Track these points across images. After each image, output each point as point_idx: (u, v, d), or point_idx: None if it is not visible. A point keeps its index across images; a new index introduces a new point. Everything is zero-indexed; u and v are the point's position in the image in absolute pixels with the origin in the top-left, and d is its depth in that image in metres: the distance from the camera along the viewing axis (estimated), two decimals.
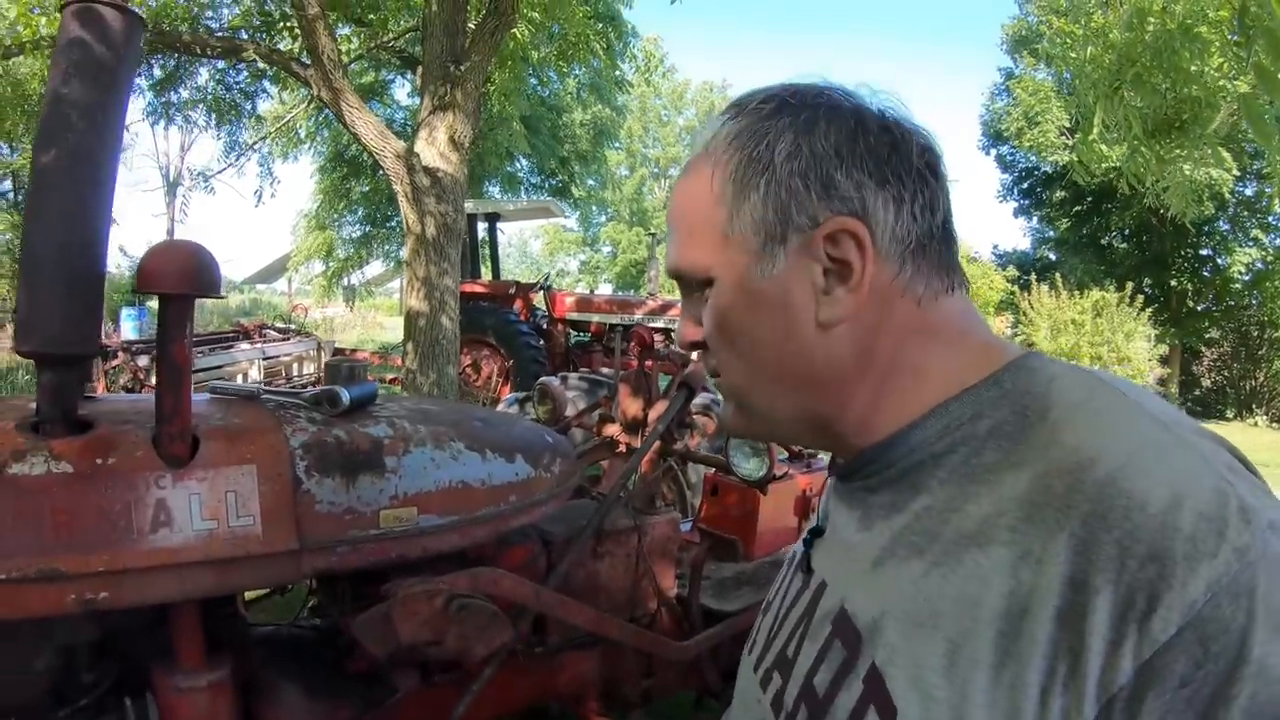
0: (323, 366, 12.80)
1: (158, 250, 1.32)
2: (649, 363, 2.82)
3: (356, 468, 1.47)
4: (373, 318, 31.19)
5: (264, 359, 11.71)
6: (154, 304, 22.90)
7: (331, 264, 22.58)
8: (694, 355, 2.42)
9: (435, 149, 7.62)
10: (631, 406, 2.74)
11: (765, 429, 0.94)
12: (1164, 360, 18.12)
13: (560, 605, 1.75)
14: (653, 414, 2.69)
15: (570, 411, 3.24)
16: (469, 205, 12.71)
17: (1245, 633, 0.55)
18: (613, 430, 2.84)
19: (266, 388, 1.65)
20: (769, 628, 0.96)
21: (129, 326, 17.01)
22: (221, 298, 1.39)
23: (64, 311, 1.39)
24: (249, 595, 1.69)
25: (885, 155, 0.77)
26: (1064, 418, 0.69)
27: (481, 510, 1.62)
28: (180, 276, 1.28)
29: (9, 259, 15.26)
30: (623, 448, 2.79)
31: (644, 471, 2.57)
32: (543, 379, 3.14)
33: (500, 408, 3.51)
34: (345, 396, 1.55)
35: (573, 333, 12.25)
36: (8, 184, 15.59)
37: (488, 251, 13.95)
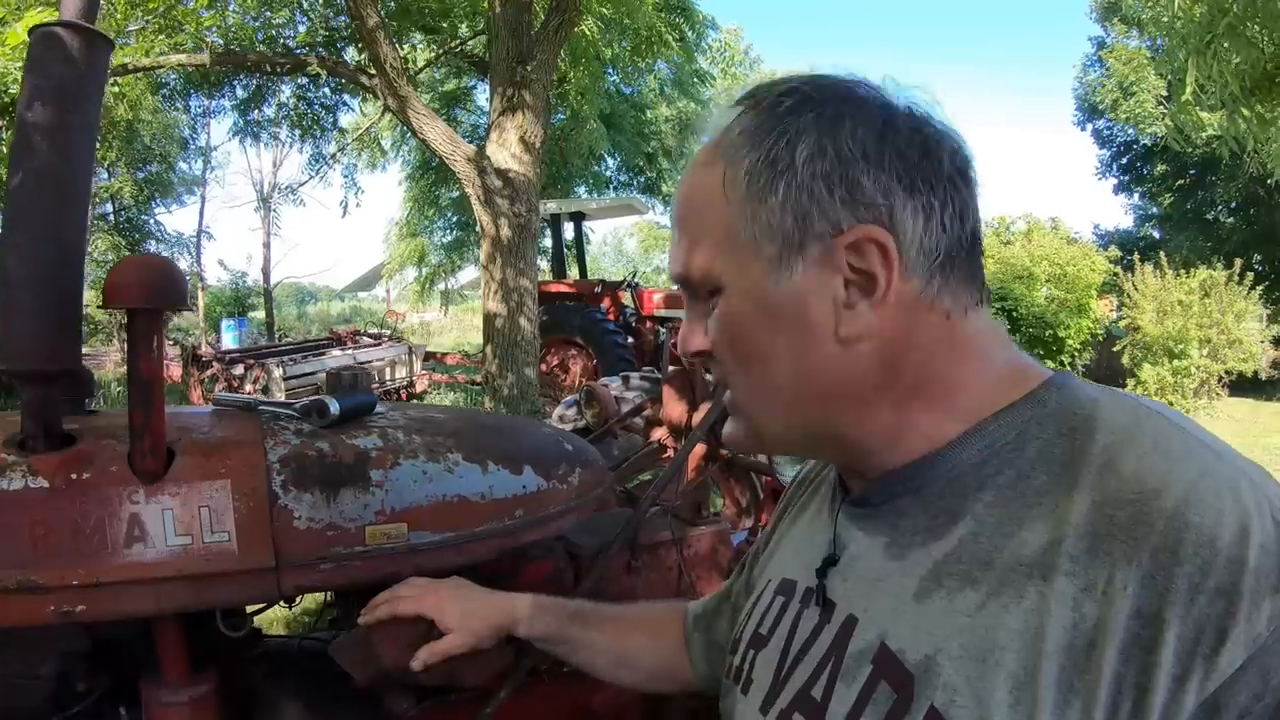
0: (416, 370, 13.04)
1: (123, 266, 1.29)
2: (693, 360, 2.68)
3: (339, 482, 1.39)
4: (468, 321, 31.77)
5: (356, 364, 11.97)
6: (257, 314, 23.82)
7: (424, 270, 23.08)
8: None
9: (506, 150, 7.65)
10: (676, 409, 2.62)
11: (778, 448, 0.90)
12: (1277, 342, 17.13)
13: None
14: (697, 416, 2.56)
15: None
16: (553, 205, 12.84)
17: None
18: (660, 434, 2.73)
19: (263, 399, 1.58)
20: (773, 665, 0.87)
21: (229, 337, 17.68)
22: (188, 309, 1.34)
23: (40, 329, 1.40)
24: (254, 607, 1.61)
25: (916, 159, 0.72)
26: (1117, 444, 0.67)
27: (482, 526, 1.52)
28: (145, 291, 1.24)
29: None
30: (670, 452, 2.68)
31: (689, 478, 2.45)
32: (590, 383, 3.05)
33: (559, 410, 3.43)
34: (334, 407, 1.47)
35: (662, 330, 12.20)
36: (108, 206, 16.33)
37: (576, 252, 14.01)
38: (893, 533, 0.77)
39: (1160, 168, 21.52)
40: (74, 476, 1.31)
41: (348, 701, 1.65)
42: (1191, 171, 20.71)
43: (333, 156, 14.60)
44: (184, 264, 19.59)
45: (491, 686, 1.65)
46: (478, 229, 7.83)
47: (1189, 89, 6.92)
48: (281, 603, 1.63)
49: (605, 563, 1.90)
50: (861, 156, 0.70)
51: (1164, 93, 17.24)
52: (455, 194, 19.77)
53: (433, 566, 1.47)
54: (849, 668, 0.75)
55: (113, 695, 1.53)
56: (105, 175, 16.64)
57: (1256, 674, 0.56)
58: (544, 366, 11.22)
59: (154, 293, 1.24)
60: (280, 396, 9.97)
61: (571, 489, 1.70)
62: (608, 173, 21.68)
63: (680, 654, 1.33)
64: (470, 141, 8.05)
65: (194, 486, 1.32)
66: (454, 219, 21.43)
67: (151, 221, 18.81)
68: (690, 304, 0.85)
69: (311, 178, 14.48)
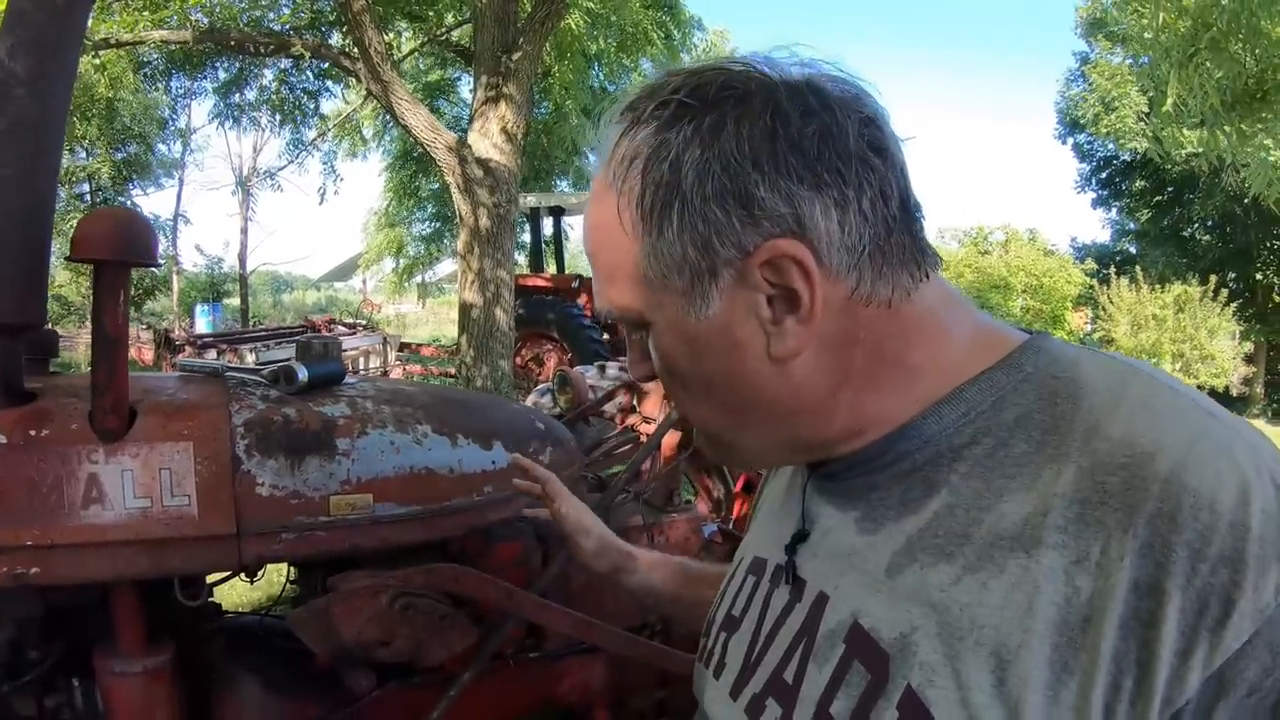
0: (390, 360, 12.96)
1: (92, 218, 1.26)
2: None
3: (304, 449, 1.37)
4: (445, 314, 31.58)
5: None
6: (231, 301, 23.58)
7: (402, 261, 22.93)
8: None
9: (488, 140, 7.60)
10: (652, 395, 2.60)
11: (744, 460, 0.84)
12: (1249, 359, 17.42)
13: (541, 609, 1.60)
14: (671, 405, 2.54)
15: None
16: (532, 199, 12.79)
17: None
18: (633, 421, 2.71)
19: (231, 365, 1.55)
20: (744, 647, 0.83)
21: (203, 322, 17.50)
22: (156, 266, 1.31)
23: (6, 281, 1.34)
24: (212, 579, 1.58)
25: (815, 149, 0.64)
26: (1102, 405, 0.63)
27: (450, 501, 1.49)
28: (114, 244, 1.21)
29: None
30: (643, 439, 2.66)
31: (662, 464, 2.43)
32: (564, 368, 3.02)
33: (532, 397, 3.40)
34: (302, 373, 1.45)
35: None
36: (84, 186, 16.13)
37: (554, 246, 13.97)
38: (864, 506, 0.73)
39: (1139, 183, 21.67)
40: (32, 433, 1.27)
41: (308, 680, 1.62)
42: (1170, 188, 20.87)
43: (312, 142, 14.47)
44: (160, 247, 19.34)
45: (455, 669, 1.63)
46: (456, 220, 7.79)
47: (1170, 100, 6.97)
48: (244, 576, 1.60)
49: None
50: (753, 165, 0.63)
51: (1145, 109, 17.40)
52: (435, 185, 19.67)
53: (397, 540, 1.45)
54: (821, 648, 0.72)
55: (65, 664, 1.49)
56: (84, 155, 16.41)
57: (1265, 647, 0.53)
58: (519, 360, 11.17)
59: (122, 246, 1.21)
60: None
61: (542, 468, 1.68)
62: (590, 168, 21.64)
63: None
64: (453, 132, 8.01)
65: (155, 448, 1.29)
66: (433, 211, 21.30)
67: (128, 203, 18.56)
68: (628, 334, 0.80)
69: (290, 162, 14.30)
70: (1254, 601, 0.53)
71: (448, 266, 23.67)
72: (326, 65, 10.13)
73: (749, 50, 0.71)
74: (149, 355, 10.53)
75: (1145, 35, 7.27)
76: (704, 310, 0.68)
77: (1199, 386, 14.98)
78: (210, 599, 1.60)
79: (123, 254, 1.21)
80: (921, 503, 0.68)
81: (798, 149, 0.64)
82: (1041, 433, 0.63)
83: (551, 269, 13.56)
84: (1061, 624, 0.57)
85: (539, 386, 3.56)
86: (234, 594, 2.74)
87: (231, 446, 1.32)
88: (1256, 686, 0.54)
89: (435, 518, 1.48)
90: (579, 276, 12.42)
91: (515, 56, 7.40)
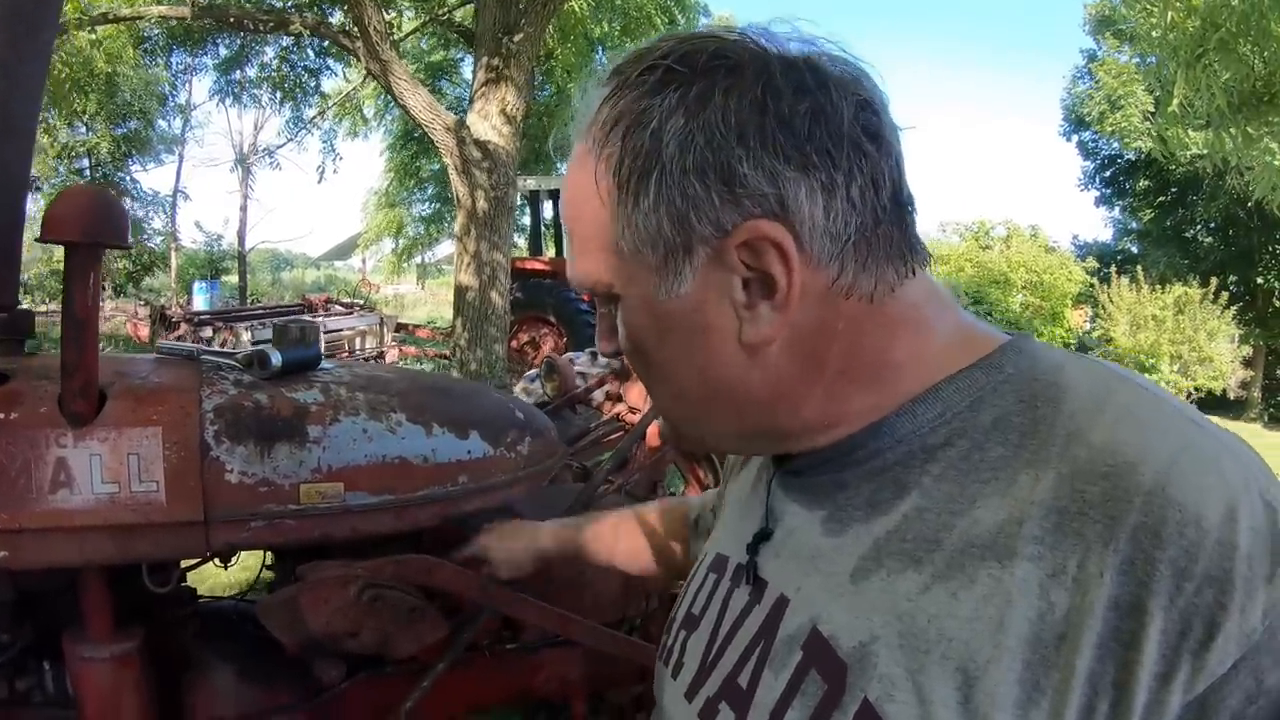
0: (386, 341, 12.94)
1: (63, 198, 1.24)
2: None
3: (274, 436, 1.35)
4: (443, 295, 31.51)
5: (325, 332, 11.85)
6: (230, 278, 23.54)
7: (401, 242, 22.86)
8: None
9: (487, 122, 7.57)
10: (636, 387, 2.59)
11: (708, 446, 0.82)
12: (1247, 362, 17.41)
13: (515, 602, 1.58)
14: None
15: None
16: (532, 182, 12.74)
17: None
18: (619, 409, 2.69)
19: (207, 348, 1.54)
20: (702, 647, 0.80)
21: (200, 299, 17.45)
22: (127, 248, 1.29)
23: None
24: (186, 564, 1.57)
25: (806, 129, 0.61)
26: (1084, 411, 0.60)
27: (423, 490, 1.48)
28: (85, 225, 1.19)
29: None
30: (629, 428, 2.65)
31: (646, 454, 2.41)
32: (551, 355, 3.00)
33: (522, 383, 3.38)
34: (276, 359, 1.43)
35: None
36: (84, 161, 16.06)
37: (553, 230, 13.93)
38: (831, 506, 0.70)
39: (1143, 183, 21.49)
40: (1, 416, 1.26)
41: (281, 666, 1.62)
42: (1173, 189, 20.71)
43: (312, 120, 14.40)
44: (159, 223, 19.33)
45: (428, 659, 1.62)
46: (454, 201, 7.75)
47: (1176, 100, 6.90)
48: (217, 561, 1.59)
49: None
50: (738, 140, 0.60)
51: (1151, 108, 17.30)
52: (436, 166, 19.56)
53: (368, 529, 1.44)
54: (778, 653, 0.69)
55: (35, 649, 1.49)
56: (84, 130, 16.33)
57: (1249, 674, 0.51)
58: (514, 343, 11.16)
59: (94, 227, 1.19)
60: None
61: (520, 458, 1.67)
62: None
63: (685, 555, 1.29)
64: (454, 114, 7.97)
65: (124, 433, 1.28)
66: (434, 192, 21.22)
67: (128, 179, 18.51)
68: (598, 307, 0.77)
69: (289, 140, 14.24)
70: (1240, 625, 0.51)
71: (447, 248, 23.59)
72: (326, 43, 10.07)
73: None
74: (145, 332, 10.50)
75: (1153, 34, 7.20)
76: (676, 288, 0.65)
77: (1196, 389, 15.03)
78: (184, 583, 1.59)
79: (94, 235, 1.19)
80: (891, 504, 0.65)
81: (787, 126, 0.60)
82: (1020, 436, 0.61)
83: (550, 252, 13.51)
84: (1035, 640, 0.54)
85: (529, 373, 3.54)
86: (210, 578, 2.72)
87: (200, 432, 1.31)
88: (1239, 715, 0.52)
89: (407, 508, 1.47)
90: None
91: (517, 38, 7.35)
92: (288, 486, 1.36)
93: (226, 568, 1.69)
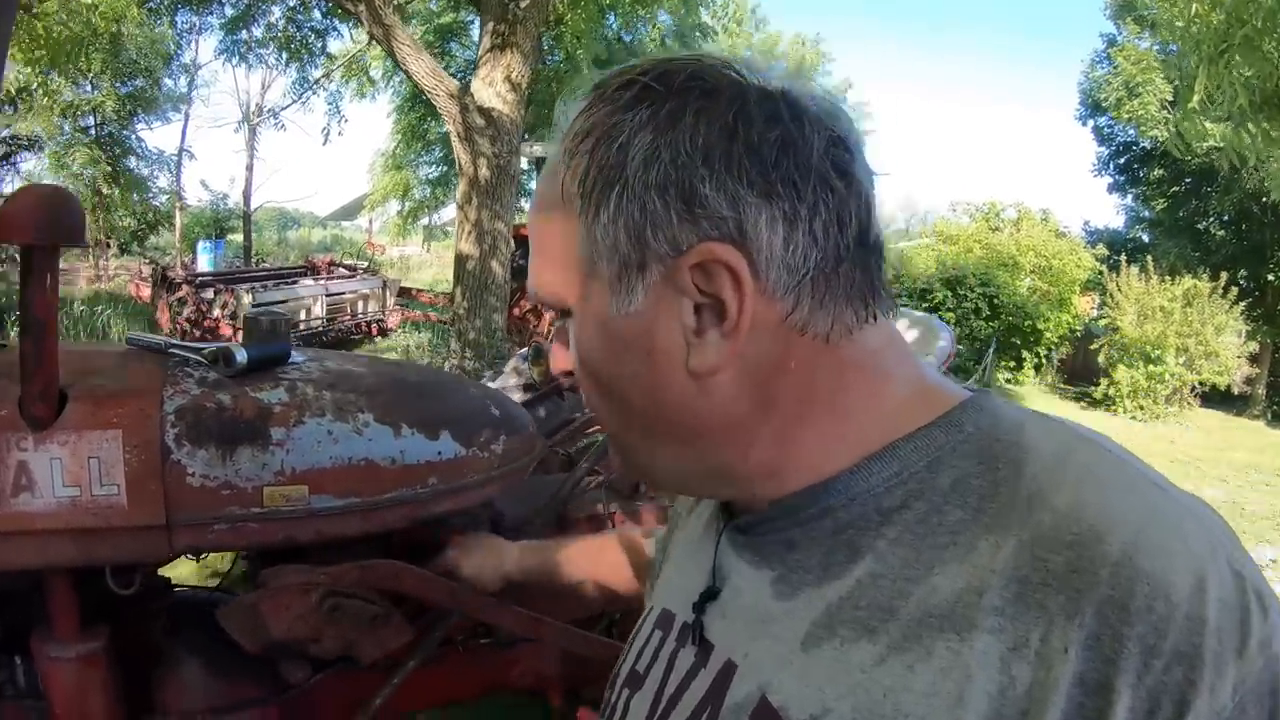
0: (388, 305, 12.93)
1: (18, 197, 1.21)
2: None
3: (236, 438, 1.34)
4: (449, 258, 31.36)
5: (327, 295, 11.86)
6: (235, 237, 23.49)
7: (408, 204, 22.76)
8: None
9: (492, 89, 7.51)
10: None
11: (655, 481, 0.79)
12: (1253, 359, 17.28)
13: (485, 607, 1.58)
14: None
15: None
16: (539, 149, 12.64)
17: None
18: None
19: (174, 343, 1.52)
20: (646, 707, 0.78)
21: (204, 259, 17.42)
22: (84, 246, 1.27)
23: None
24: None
25: (773, 157, 0.60)
26: (1046, 473, 0.58)
27: (391, 493, 1.46)
28: (39, 226, 1.16)
29: (89, 191, 15.72)
30: None
31: None
32: (539, 339, 2.97)
33: (513, 362, 3.36)
34: (241, 356, 1.41)
35: None
36: (90, 119, 15.98)
37: None
38: (781, 567, 0.68)
39: (1157, 172, 21.21)
40: None
41: (250, 659, 1.61)
42: (1187, 180, 20.41)
43: (317, 82, 14.29)
44: (164, 182, 19.25)
45: (399, 657, 1.62)
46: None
47: (1197, 96, 6.76)
48: (188, 554, 1.59)
49: (531, 536, 1.87)
50: (703, 161, 0.59)
51: (1169, 97, 17.06)
52: (444, 129, 19.44)
53: (334, 532, 1.42)
54: None
55: (6, 643, 1.49)
56: (89, 88, 16.23)
57: None
58: (516, 311, 11.13)
59: (49, 228, 1.16)
60: None
61: (494, 457, 1.65)
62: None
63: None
64: (463, 77, 7.90)
65: (84, 436, 1.26)
66: (441, 154, 21.07)
67: (133, 138, 18.41)
68: (556, 322, 0.76)
69: (295, 101, 14.14)
70: (1210, 703, 0.49)
71: (453, 211, 23.50)
72: (332, 4, 9.96)
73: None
74: (146, 293, 10.49)
75: (1176, 24, 7.05)
76: (627, 305, 0.63)
77: (1200, 383, 14.93)
78: (156, 576, 1.59)
79: (49, 236, 1.16)
80: (844, 568, 0.63)
81: (755, 152, 0.59)
82: (979, 499, 0.59)
83: None
84: (995, 717, 0.52)
85: (520, 351, 3.51)
86: (185, 567, 2.73)
87: (161, 435, 1.29)
88: None
89: (375, 510, 1.45)
90: None
91: (524, 3, 7.27)
92: (250, 489, 1.34)
93: (199, 560, 1.68)
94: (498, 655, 1.90)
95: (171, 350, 1.50)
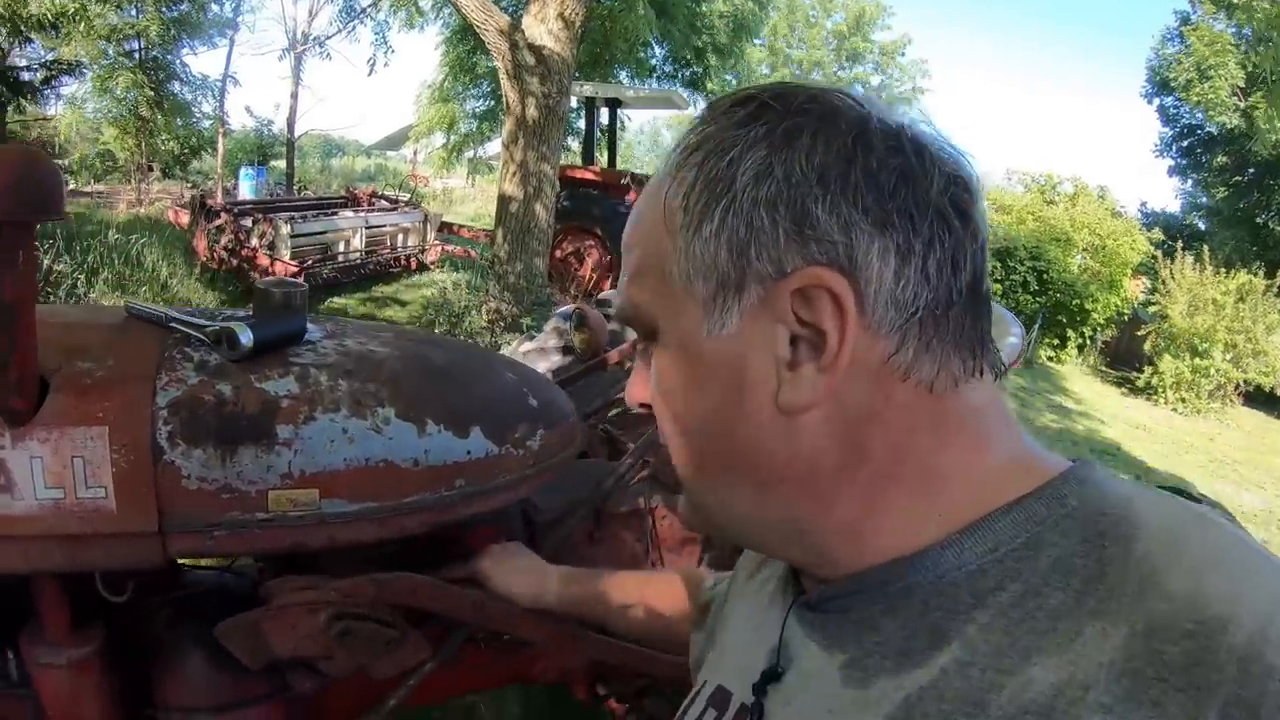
0: (428, 240, 12.79)
1: None
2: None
3: (237, 437, 1.18)
4: (492, 192, 31.19)
5: (367, 228, 11.75)
6: (278, 164, 23.41)
7: (453, 137, 22.55)
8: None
9: (544, 26, 7.27)
10: None
11: (724, 530, 0.71)
12: None
13: (516, 622, 1.42)
14: None
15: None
16: (589, 88, 12.37)
17: None
18: None
19: (177, 315, 1.35)
20: None
21: (246, 186, 17.35)
22: (63, 219, 1.10)
23: None
24: None
25: (890, 185, 0.56)
26: (1160, 553, 0.51)
27: (412, 497, 1.30)
28: (11, 201, 0.98)
29: (133, 117, 15.66)
30: None
31: None
32: (581, 306, 2.79)
33: (552, 322, 3.19)
34: (246, 338, 1.25)
35: None
36: (134, 44, 15.86)
37: (607, 139, 13.58)
38: (855, 650, 0.61)
39: (1220, 159, 20.49)
40: None
41: None
42: (1252, 170, 19.75)
43: (364, 10, 14.03)
44: (208, 108, 19.10)
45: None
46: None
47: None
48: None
49: (566, 531, 1.72)
50: (818, 180, 0.56)
51: (1241, 83, 16.34)
52: (494, 63, 19.15)
53: (347, 539, 1.27)
54: None
55: (2, 641, 1.37)
56: (134, 11, 16.07)
57: None
58: (558, 253, 10.97)
59: (20, 203, 0.99)
60: (286, 255, 9.77)
61: (529, 454, 1.48)
62: (652, 60, 20.75)
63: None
64: (514, 11, 7.65)
65: (66, 433, 1.12)
66: (489, 89, 20.74)
67: (177, 63, 18.26)
68: (640, 346, 0.70)
69: (340, 30, 13.91)
70: None
71: (498, 146, 23.26)
72: None
73: None
74: (185, 220, 10.42)
75: (1254, 4, 6.62)
76: (719, 328, 0.60)
77: (1245, 381, 14.44)
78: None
79: (21, 212, 0.99)
80: (927, 655, 0.56)
81: (873, 179, 0.56)
82: (1083, 582, 0.52)
83: (603, 162, 13.17)
84: None
85: (561, 309, 3.34)
86: None
87: (152, 433, 1.15)
88: None
89: (393, 516, 1.30)
90: (630, 174, 12.03)
91: None
92: (254, 493, 1.20)
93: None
94: (521, 651, 1.76)
95: (172, 324, 1.34)
